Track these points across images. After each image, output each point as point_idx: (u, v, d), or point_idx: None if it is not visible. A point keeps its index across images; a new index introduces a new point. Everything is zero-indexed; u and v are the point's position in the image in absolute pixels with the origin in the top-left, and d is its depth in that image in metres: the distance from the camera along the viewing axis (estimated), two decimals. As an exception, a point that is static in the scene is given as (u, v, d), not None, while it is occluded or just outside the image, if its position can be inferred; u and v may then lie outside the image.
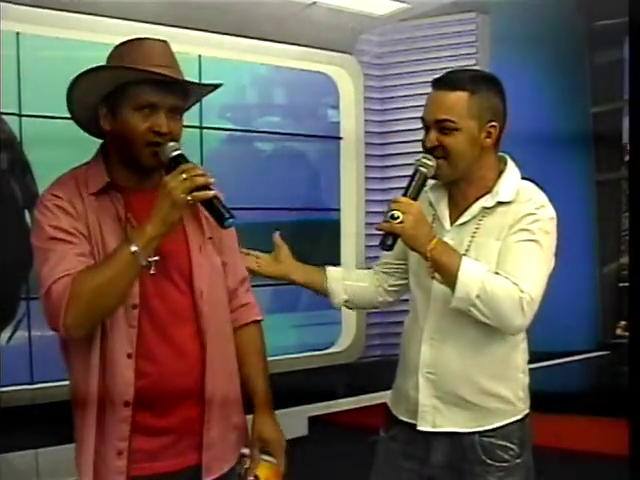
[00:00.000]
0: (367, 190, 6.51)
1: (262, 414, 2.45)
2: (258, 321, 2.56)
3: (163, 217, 2.09)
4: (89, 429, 2.21)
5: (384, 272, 2.79)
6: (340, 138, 6.60)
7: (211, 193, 2.11)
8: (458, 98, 2.40)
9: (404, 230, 2.30)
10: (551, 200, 2.46)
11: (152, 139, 2.18)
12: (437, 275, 2.44)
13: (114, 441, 2.21)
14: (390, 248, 2.36)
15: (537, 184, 2.51)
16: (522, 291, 2.30)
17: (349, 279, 2.79)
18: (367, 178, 6.54)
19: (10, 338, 5.10)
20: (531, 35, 6.41)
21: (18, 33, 4.89)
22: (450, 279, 2.34)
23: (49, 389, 4.67)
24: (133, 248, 2.08)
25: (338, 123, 6.66)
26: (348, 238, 6.57)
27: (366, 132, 6.58)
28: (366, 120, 6.59)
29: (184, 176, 2.08)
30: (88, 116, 2.26)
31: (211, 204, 2.14)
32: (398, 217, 2.29)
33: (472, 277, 2.31)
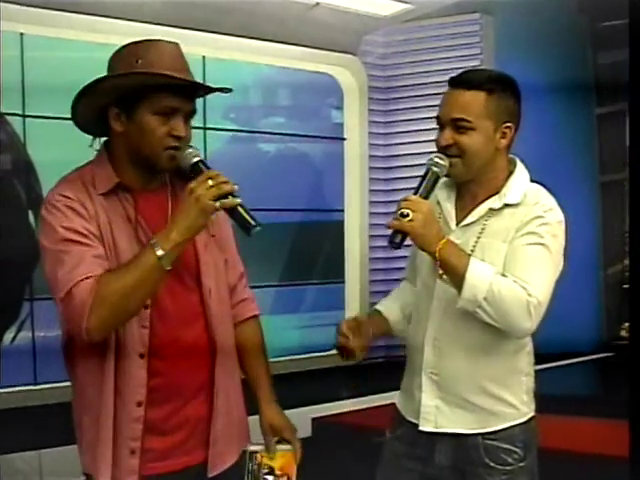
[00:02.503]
0: (371, 191, 6.52)
1: (269, 405, 2.46)
2: (257, 316, 2.57)
3: (190, 223, 2.08)
4: (106, 430, 2.20)
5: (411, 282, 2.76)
6: (344, 139, 6.61)
7: (238, 200, 2.11)
8: (475, 97, 2.38)
9: (413, 229, 2.27)
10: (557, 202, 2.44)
11: (171, 143, 2.18)
12: (445, 276, 2.43)
13: (127, 441, 2.20)
14: (398, 246, 2.32)
15: (544, 186, 2.49)
16: (530, 294, 2.28)
17: (405, 309, 2.73)
18: (371, 179, 6.54)
19: (14, 339, 5.11)
20: (535, 36, 6.41)
21: (22, 34, 4.90)
22: (458, 280, 2.31)
23: (52, 390, 4.67)
24: (159, 252, 2.06)
25: (342, 124, 6.66)
26: (352, 239, 6.58)
27: (370, 133, 6.58)
28: (370, 121, 6.60)
29: (210, 183, 2.08)
30: (92, 116, 2.24)
31: (237, 211, 2.13)
32: (408, 215, 2.27)
33: (480, 278, 2.29)
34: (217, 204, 2.08)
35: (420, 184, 2.37)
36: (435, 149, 2.44)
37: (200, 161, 2.17)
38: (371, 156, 6.56)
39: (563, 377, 6.34)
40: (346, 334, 2.46)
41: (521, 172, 2.48)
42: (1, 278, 4.44)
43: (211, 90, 2.31)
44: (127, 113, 2.17)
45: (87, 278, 2.06)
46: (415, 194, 2.35)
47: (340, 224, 6.60)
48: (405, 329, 2.66)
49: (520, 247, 2.36)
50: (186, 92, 2.22)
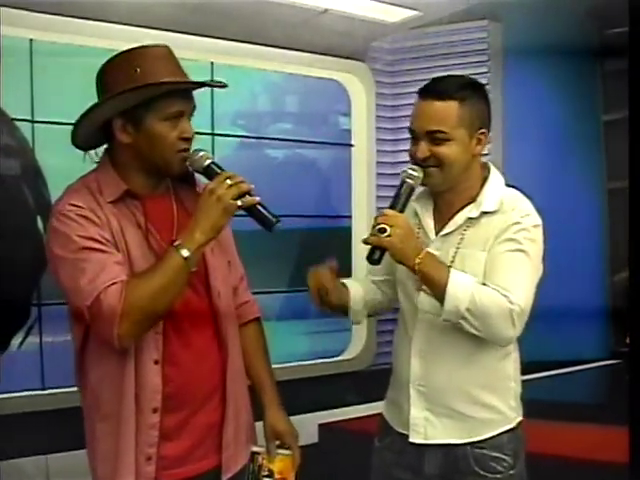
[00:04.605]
0: (378, 197, 6.51)
1: (273, 408, 2.49)
2: (258, 318, 2.58)
3: (213, 223, 2.13)
4: (127, 439, 2.20)
5: (374, 283, 2.76)
6: (351, 145, 6.61)
7: (257, 198, 2.16)
8: (448, 108, 2.38)
9: (392, 244, 2.29)
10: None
11: (182, 146, 2.22)
12: (425, 288, 2.44)
13: (143, 447, 2.22)
14: (377, 262, 2.35)
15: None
16: (512, 302, 2.28)
17: (367, 296, 2.71)
18: (378, 185, 6.55)
19: (21, 344, 5.11)
20: (542, 43, 6.41)
21: (31, 40, 4.92)
22: (439, 292, 2.31)
23: (60, 395, 4.68)
24: (185, 254, 2.10)
25: (349, 130, 6.67)
26: (359, 245, 6.54)
27: (377, 139, 6.59)
28: (377, 127, 6.61)
29: (229, 182, 2.12)
30: (93, 131, 2.26)
31: (256, 209, 2.17)
32: (386, 231, 2.28)
33: (462, 290, 2.29)
34: (238, 203, 2.12)
35: (395, 197, 2.38)
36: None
37: (213, 162, 2.22)
38: (379, 162, 6.56)
39: (569, 384, 6.32)
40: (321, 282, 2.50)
41: (495, 178, 2.49)
42: (9, 283, 4.45)
43: (212, 86, 2.35)
44: (134, 123, 2.19)
45: (113, 284, 2.08)
46: (391, 208, 2.36)
47: (347, 230, 6.60)
48: (361, 316, 2.68)
49: (499, 254, 2.37)
50: (188, 93, 2.25)
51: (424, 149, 2.40)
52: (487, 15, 6.36)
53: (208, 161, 2.22)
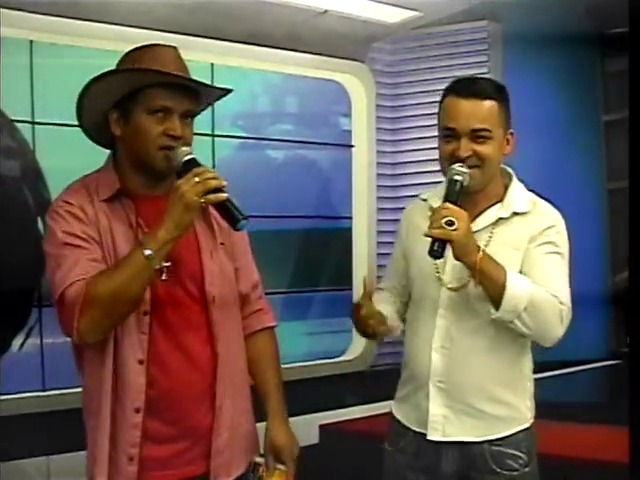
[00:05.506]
0: (379, 198, 6.52)
1: (275, 421, 2.43)
2: (271, 327, 2.55)
3: (176, 220, 2.09)
4: (103, 435, 2.20)
5: (389, 291, 2.75)
6: (352, 146, 6.61)
7: (223, 195, 2.10)
8: (491, 107, 2.39)
9: (459, 237, 2.24)
10: (561, 208, 2.48)
11: (165, 143, 2.19)
12: (448, 284, 2.44)
13: (125, 447, 2.20)
14: (441, 255, 2.27)
15: (549, 191, 2.52)
16: (562, 303, 2.32)
17: (396, 308, 2.66)
18: (379, 186, 6.54)
19: (22, 345, 5.11)
20: (543, 43, 6.41)
21: (31, 41, 4.92)
22: (496, 291, 2.30)
23: (61, 396, 4.68)
24: (147, 252, 2.07)
25: (350, 131, 6.66)
26: (360, 246, 6.57)
27: (378, 140, 6.59)
28: (378, 128, 6.60)
29: (197, 179, 2.08)
30: (97, 123, 2.26)
31: (224, 207, 2.13)
32: (453, 223, 2.22)
33: (521, 290, 2.29)
34: (202, 200, 2.09)
35: (447, 194, 2.34)
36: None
37: (192, 159, 2.18)
38: (379, 163, 6.56)
39: (570, 384, 6.32)
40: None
41: (517, 181, 2.52)
42: (9, 284, 4.45)
43: (207, 86, 2.33)
44: (125, 116, 2.20)
45: (80, 280, 2.08)
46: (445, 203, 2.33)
47: (348, 231, 6.60)
48: (400, 330, 2.65)
49: (540, 256, 2.39)
50: (181, 91, 2.23)
51: (467, 147, 2.37)
52: (487, 15, 6.37)
53: (187, 157, 2.18)
